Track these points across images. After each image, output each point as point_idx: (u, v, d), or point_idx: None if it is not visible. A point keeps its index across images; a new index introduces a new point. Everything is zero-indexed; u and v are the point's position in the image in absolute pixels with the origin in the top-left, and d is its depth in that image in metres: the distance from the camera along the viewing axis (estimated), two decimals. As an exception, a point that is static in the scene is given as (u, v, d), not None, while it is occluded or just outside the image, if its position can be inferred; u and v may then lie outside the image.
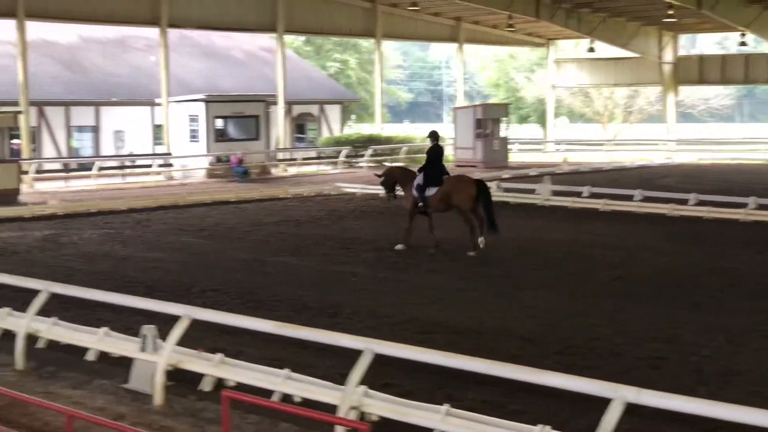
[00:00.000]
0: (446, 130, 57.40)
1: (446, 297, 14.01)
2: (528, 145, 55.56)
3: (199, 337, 10.47)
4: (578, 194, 27.14)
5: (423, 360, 8.49)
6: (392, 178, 19.47)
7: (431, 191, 18.43)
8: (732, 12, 43.45)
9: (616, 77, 56.22)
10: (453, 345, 10.33)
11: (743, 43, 48.83)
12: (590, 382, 7.55)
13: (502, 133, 44.75)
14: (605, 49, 55.09)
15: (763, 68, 50.85)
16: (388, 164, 34.74)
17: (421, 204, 18.65)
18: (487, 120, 43.50)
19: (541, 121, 65.07)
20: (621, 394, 7.11)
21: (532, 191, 27.92)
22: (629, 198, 26.13)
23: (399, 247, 18.54)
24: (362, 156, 44.21)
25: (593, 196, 26.84)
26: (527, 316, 12.67)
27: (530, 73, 67.59)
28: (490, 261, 17.22)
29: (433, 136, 19.19)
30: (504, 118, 45.38)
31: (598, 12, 49.29)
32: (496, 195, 27.50)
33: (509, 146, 45.98)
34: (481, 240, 18.06)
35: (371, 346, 8.47)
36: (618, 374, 9.57)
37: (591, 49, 53.18)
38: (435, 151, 18.84)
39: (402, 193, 19.42)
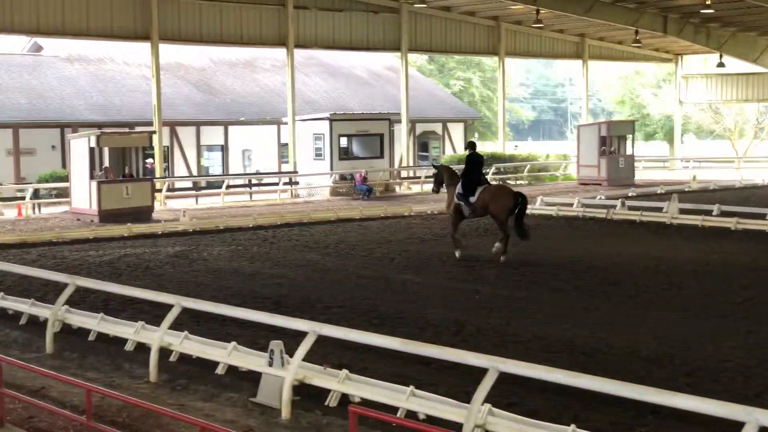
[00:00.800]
0: (570, 148, 56.86)
1: (571, 316, 13.85)
2: (654, 163, 54.51)
3: (324, 352, 10.61)
4: (708, 212, 26.46)
5: (548, 379, 8.37)
6: (440, 176, 20.82)
7: (474, 197, 19.57)
8: None
9: (747, 92, 54.72)
10: (579, 365, 10.22)
11: None
12: (722, 405, 7.34)
13: (628, 151, 44.03)
14: (735, 64, 53.70)
15: None
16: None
17: (467, 212, 19.86)
18: (612, 137, 42.87)
19: (668, 138, 63.76)
20: (755, 418, 6.90)
21: (659, 209, 27.38)
22: (762, 216, 25.33)
23: (457, 254, 19.73)
24: (485, 174, 44.04)
25: (724, 214, 26.13)
26: (655, 337, 12.42)
27: (657, 89, 66.38)
28: (617, 280, 16.95)
29: (471, 146, 20.67)
30: (630, 136, 44.63)
31: (728, 26, 48.12)
32: (621, 213, 27.20)
33: (635, 164, 45.20)
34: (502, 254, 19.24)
35: (496, 365, 8.43)
36: (751, 397, 9.33)
37: (720, 64, 51.91)
38: (472, 159, 19.98)
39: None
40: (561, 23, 48.09)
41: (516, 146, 65.21)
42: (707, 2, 38.16)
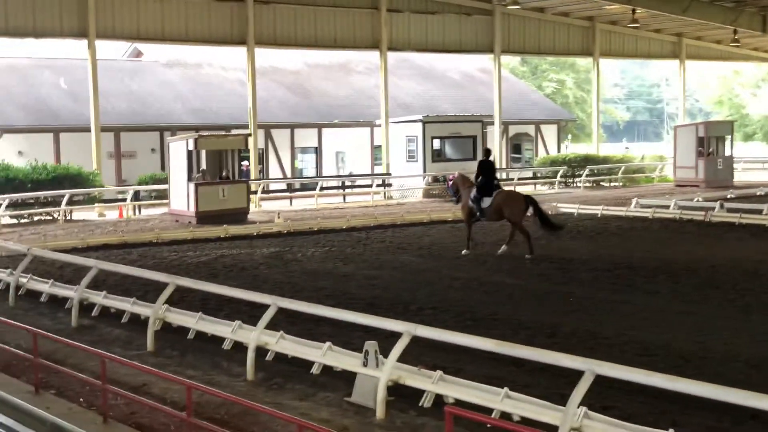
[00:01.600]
0: (666, 149, 55.95)
1: (668, 319, 13.65)
2: (754, 164, 53.25)
3: (417, 353, 10.66)
4: (810, 215, 25.79)
5: (646, 383, 8.27)
6: (456, 185, 22.01)
7: (486, 202, 20.74)
8: None
9: None
10: (676, 369, 10.09)
11: None
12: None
13: (727, 152, 43.14)
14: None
15: None
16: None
17: (477, 213, 21.04)
18: (710, 138, 42.04)
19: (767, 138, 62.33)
20: None
21: (759, 212, 26.76)
22: None
23: (464, 252, 20.91)
24: (579, 176, 43.68)
25: (826, 217, 25.44)
26: (755, 341, 12.17)
27: (756, 89, 64.94)
28: (715, 284, 16.64)
29: (486, 152, 22.81)
30: (728, 136, 43.71)
31: (832, 24, 46.86)
32: (719, 215, 26.66)
33: (734, 165, 44.25)
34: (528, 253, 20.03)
35: (592, 367, 8.37)
36: None
37: (823, 63, 50.58)
38: (486, 165, 21.36)
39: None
40: (657, 23, 47.35)
41: (627, 147, 64.32)
42: (809, -1, 37.23)
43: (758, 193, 34.62)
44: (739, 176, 45.41)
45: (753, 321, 13.48)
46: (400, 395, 9.81)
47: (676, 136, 43.55)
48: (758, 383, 9.75)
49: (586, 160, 45.01)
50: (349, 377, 10.30)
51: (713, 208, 27.78)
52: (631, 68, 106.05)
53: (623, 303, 15.06)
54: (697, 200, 31.82)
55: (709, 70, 70.62)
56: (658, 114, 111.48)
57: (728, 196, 32.87)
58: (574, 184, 43.55)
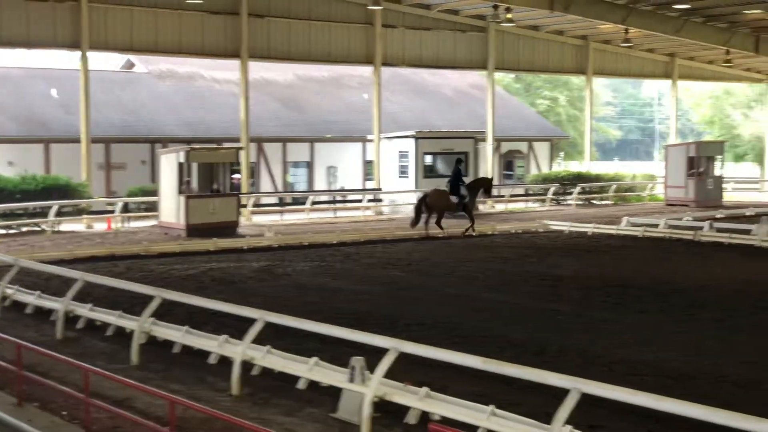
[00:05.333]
0: (657, 168, 56.04)
1: (657, 339, 13.61)
2: (744, 184, 53.39)
3: (404, 369, 10.58)
4: (799, 236, 25.81)
5: (633, 402, 8.25)
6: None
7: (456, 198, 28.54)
8: None
9: (843, 113, 53.35)
10: (664, 388, 10.03)
11: None
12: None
13: (717, 172, 43.22)
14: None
15: None
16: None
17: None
18: (700, 158, 42.13)
19: (759, 159, 62.42)
20: None
21: (748, 232, 26.79)
22: None
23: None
24: (570, 194, 43.72)
25: (816, 238, 25.46)
26: (744, 362, 12.14)
27: (748, 109, 65.10)
28: (704, 304, 16.63)
29: (458, 160, 30.72)
30: (719, 156, 43.81)
31: (824, 45, 47.04)
32: (709, 235, 26.67)
33: (724, 185, 44.34)
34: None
35: (578, 386, 8.33)
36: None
37: (814, 84, 50.78)
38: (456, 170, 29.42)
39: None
40: (650, 42, 47.51)
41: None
42: (802, 21, 37.39)
43: (747, 213, 34.68)
44: (729, 196, 45.51)
45: (741, 341, 13.45)
46: (386, 412, 9.74)
47: (667, 155, 43.64)
48: (747, 404, 9.70)
49: (578, 178, 45.06)
50: (335, 393, 10.23)
51: (702, 228, 27.81)
52: (624, 87, 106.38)
53: (612, 321, 15.02)
54: (687, 219, 31.85)
55: (701, 89, 70.84)
56: (650, 133, 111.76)
57: (717, 216, 32.94)
58: (566, 202, 43.57)
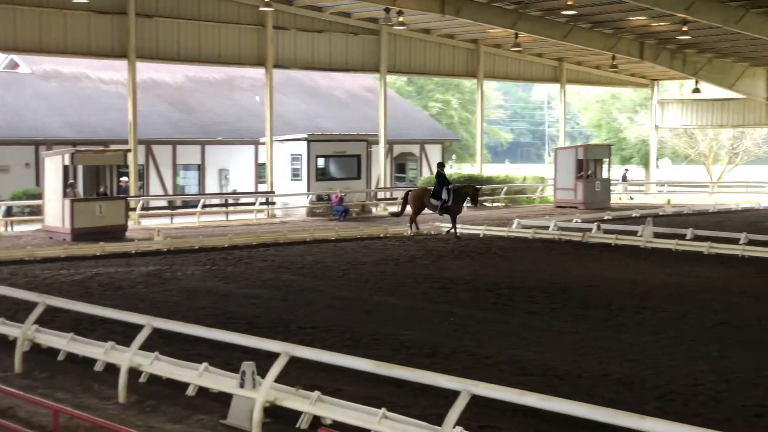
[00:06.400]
0: (547, 170, 57.12)
1: (546, 339, 13.83)
2: (630, 187, 54.82)
3: (297, 374, 10.54)
4: (682, 237, 26.60)
5: (520, 402, 8.38)
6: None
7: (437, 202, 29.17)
8: None
9: (722, 118, 55.17)
10: (551, 388, 10.21)
11: None
12: (693, 430, 7.34)
13: (605, 174, 44.25)
14: (711, 90, 54.14)
15: None
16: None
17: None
18: (588, 161, 43.10)
19: (644, 162, 64.16)
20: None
21: (634, 233, 27.49)
22: (735, 241, 25.49)
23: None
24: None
25: (697, 238, 26.28)
26: (628, 360, 12.43)
27: (633, 113, 66.83)
28: (592, 304, 16.97)
29: (440, 164, 31.10)
30: (606, 159, 44.88)
31: (704, 53, 48.53)
32: (597, 236, 27.30)
33: (611, 187, 45.42)
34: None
35: (468, 387, 8.40)
36: (721, 422, 9.33)
37: (696, 90, 52.37)
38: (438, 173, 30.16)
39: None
40: (539, 47, 48.35)
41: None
42: (684, 28, 38.46)
43: (633, 215, 35.59)
44: (616, 198, 46.63)
45: (626, 340, 13.75)
46: (278, 417, 9.66)
47: (557, 158, 44.53)
48: (630, 402, 9.95)
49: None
50: (226, 399, 10.10)
51: (591, 230, 28.43)
52: (515, 90, 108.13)
53: (503, 323, 15.20)
54: (576, 221, 32.51)
55: (590, 93, 72.40)
56: (540, 136, 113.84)
57: (605, 218, 33.71)
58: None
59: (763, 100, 51.48)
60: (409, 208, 30.66)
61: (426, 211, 30.41)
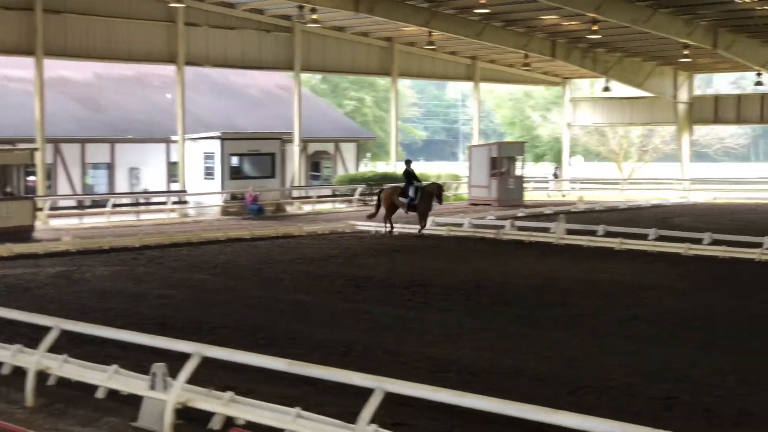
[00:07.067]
0: (462, 168, 57.52)
1: (460, 336, 13.89)
2: (543, 184, 55.55)
3: (210, 375, 10.40)
4: (593, 233, 27.01)
5: (435, 399, 8.41)
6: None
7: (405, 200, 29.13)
8: (748, 51, 43.47)
9: (632, 116, 56.22)
10: (466, 384, 10.23)
11: (759, 83, 48.84)
12: (603, 423, 7.43)
13: (518, 172, 44.73)
14: (621, 89, 55.14)
15: (778, 107, 50.74)
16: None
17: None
18: (502, 158, 43.51)
19: (557, 159, 65.05)
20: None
21: (546, 230, 27.83)
22: (644, 237, 26.00)
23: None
24: (377, 194, 44.16)
25: (608, 235, 26.72)
26: (541, 356, 12.55)
27: (546, 111, 67.71)
28: (506, 300, 17.12)
29: (407, 161, 31.08)
30: (519, 157, 45.37)
31: (614, 52, 49.40)
32: (510, 233, 27.57)
33: (524, 184, 45.94)
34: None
35: (382, 385, 8.39)
36: (632, 415, 9.46)
37: (606, 89, 53.28)
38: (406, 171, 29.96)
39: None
40: (453, 45, 48.65)
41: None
42: (594, 28, 39.07)
43: (546, 212, 36.03)
44: (530, 195, 47.20)
45: (540, 336, 13.89)
46: (190, 419, 9.52)
47: (471, 155, 44.87)
48: (544, 397, 10.03)
49: (385, 178, 45.63)
50: (136, 401, 9.92)
51: (504, 227, 28.69)
52: (430, 89, 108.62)
53: (418, 320, 15.22)
54: (490, 219, 32.79)
55: (503, 92, 73.13)
56: (455, 134, 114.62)
57: (518, 215, 34.06)
58: (373, 202, 43.97)
59: (670, 98, 52.63)
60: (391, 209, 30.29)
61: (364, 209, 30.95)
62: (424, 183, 31.08)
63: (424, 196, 29.23)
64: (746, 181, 55.11)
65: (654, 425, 7.25)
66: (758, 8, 37.25)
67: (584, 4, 36.77)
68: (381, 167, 57.56)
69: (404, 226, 30.08)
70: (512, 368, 11.83)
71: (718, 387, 10.90)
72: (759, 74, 47.83)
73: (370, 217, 30.17)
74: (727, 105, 52.99)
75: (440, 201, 30.70)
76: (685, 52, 43.43)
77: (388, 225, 29.50)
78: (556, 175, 56.67)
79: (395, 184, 31.76)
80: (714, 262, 22.60)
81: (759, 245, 23.73)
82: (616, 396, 10.54)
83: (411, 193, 29.29)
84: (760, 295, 17.90)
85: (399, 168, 50.03)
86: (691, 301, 17.10)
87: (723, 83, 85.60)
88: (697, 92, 56.46)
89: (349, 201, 43.87)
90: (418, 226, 29.16)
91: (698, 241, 24.89)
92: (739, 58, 43.79)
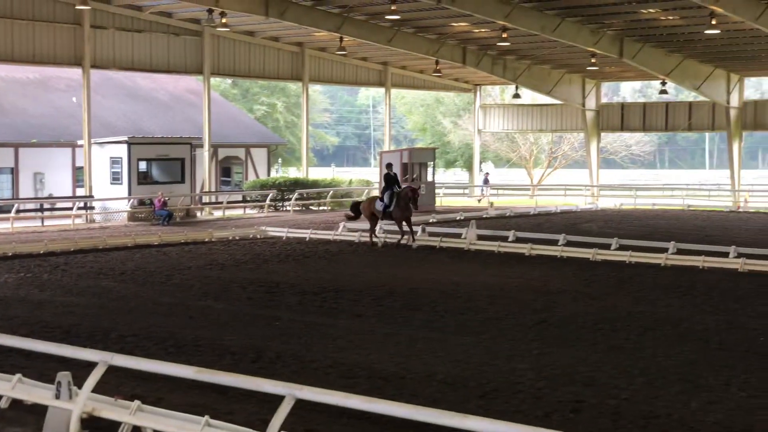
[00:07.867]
0: (373, 174, 57.66)
1: (371, 341, 13.89)
2: (454, 190, 55.96)
3: (118, 383, 10.23)
4: (504, 239, 27.30)
5: (345, 405, 8.39)
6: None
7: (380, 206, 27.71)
8: (653, 61, 44.52)
9: (541, 123, 57.04)
10: (376, 390, 10.23)
11: (664, 91, 50.11)
12: (512, 426, 7.48)
13: (429, 178, 44.98)
14: (530, 96, 55.91)
15: (682, 116, 51.99)
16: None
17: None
18: (413, 164, 43.70)
19: (468, 165, 65.61)
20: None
21: (458, 236, 28.02)
22: (554, 243, 26.35)
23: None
24: (288, 200, 44.04)
25: (519, 240, 27.03)
26: (451, 360, 12.60)
27: (457, 117, 68.23)
28: (417, 305, 17.16)
29: (388, 165, 29.21)
30: (431, 163, 45.65)
31: (523, 59, 50.06)
32: (422, 239, 27.69)
33: (436, 190, 46.22)
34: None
35: (293, 392, 8.33)
36: (540, 418, 9.58)
37: (516, 95, 53.99)
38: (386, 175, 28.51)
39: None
40: (364, 51, 48.74)
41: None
42: (504, 35, 39.52)
43: (458, 218, 36.30)
44: (441, 201, 47.51)
45: (450, 341, 13.95)
46: (96, 428, 9.32)
47: (382, 161, 44.87)
48: (454, 401, 10.08)
49: (296, 184, 45.53)
50: (41, 411, 9.66)
51: (416, 232, 28.78)
52: (341, 94, 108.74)
53: (329, 326, 15.17)
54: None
55: (414, 98, 73.48)
56: (366, 139, 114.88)
57: (430, 221, 34.24)
58: (284, 208, 43.86)
59: (579, 106, 53.55)
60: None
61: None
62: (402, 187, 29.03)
63: (400, 202, 27.45)
64: (652, 187, 56.32)
65: (562, 428, 7.32)
66: (662, 18, 38.18)
67: (494, 12, 37.18)
68: (293, 173, 57.36)
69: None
70: (423, 373, 11.85)
71: (624, 389, 11.09)
72: (663, 83, 49.04)
73: (351, 219, 29.54)
74: (634, 113, 54.12)
75: (416, 206, 28.27)
76: (593, 60, 44.28)
77: (374, 237, 28.07)
78: (486, 181, 57.04)
79: (373, 195, 30.96)
80: (621, 267, 23.02)
81: (664, 250, 24.26)
82: (525, 399, 10.64)
83: (386, 199, 27.69)
84: (665, 299, 18.27)
85: (311, 174, 50.05)
86: (598, 305, 17.38)
87: (629, 91, 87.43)
88: (605, 100, 57.56)
89: (261, 207, 43.58)
90: (401, 234, 27.55)
91: (606, 247, 25.34)
92: (644, 67, 44.82)
